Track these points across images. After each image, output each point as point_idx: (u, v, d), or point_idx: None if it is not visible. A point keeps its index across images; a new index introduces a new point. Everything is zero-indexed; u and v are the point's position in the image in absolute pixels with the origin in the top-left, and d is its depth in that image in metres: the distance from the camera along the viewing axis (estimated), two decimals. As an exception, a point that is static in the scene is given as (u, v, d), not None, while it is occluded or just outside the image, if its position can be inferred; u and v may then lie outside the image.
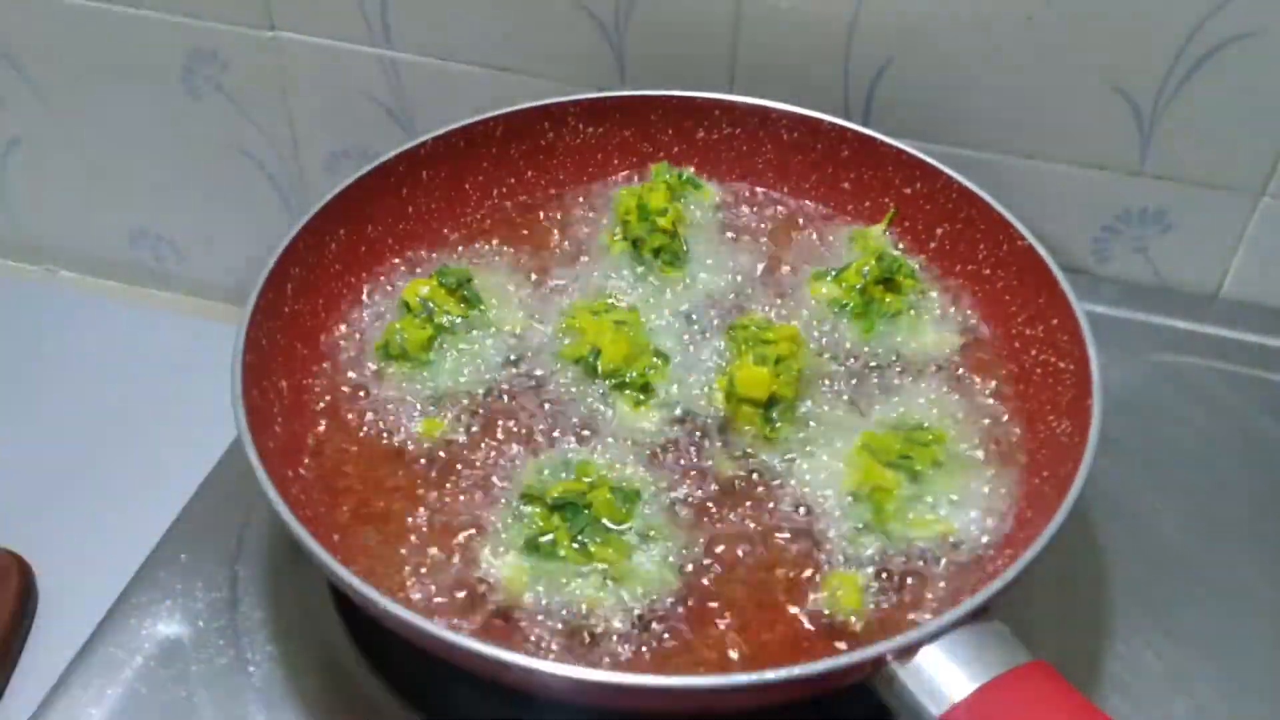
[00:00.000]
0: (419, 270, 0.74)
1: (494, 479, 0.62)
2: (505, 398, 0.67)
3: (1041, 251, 0.68)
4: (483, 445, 0.64)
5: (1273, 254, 0.84)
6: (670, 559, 0.58)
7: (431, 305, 0.70)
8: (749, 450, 0.64)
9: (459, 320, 0.70)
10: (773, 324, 0.69)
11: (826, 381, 0.67)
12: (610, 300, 0.72)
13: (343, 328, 0.71)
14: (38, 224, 1.12)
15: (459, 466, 0.63)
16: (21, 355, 0.98)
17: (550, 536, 0.58)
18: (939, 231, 0.76)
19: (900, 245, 0.76)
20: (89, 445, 0.90)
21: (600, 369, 0.67)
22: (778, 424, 0.65)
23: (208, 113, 0.98)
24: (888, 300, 0.71)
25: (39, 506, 0.85)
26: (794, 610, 0.57)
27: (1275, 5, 0.73)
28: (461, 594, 0.57)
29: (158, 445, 0.89)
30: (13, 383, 0.96)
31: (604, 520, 0.58)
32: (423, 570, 0.58)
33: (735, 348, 0.68)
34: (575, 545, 0.58)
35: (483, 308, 0.71)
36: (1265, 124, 0.78)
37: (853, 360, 0.69)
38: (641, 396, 0.66)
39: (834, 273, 0.73)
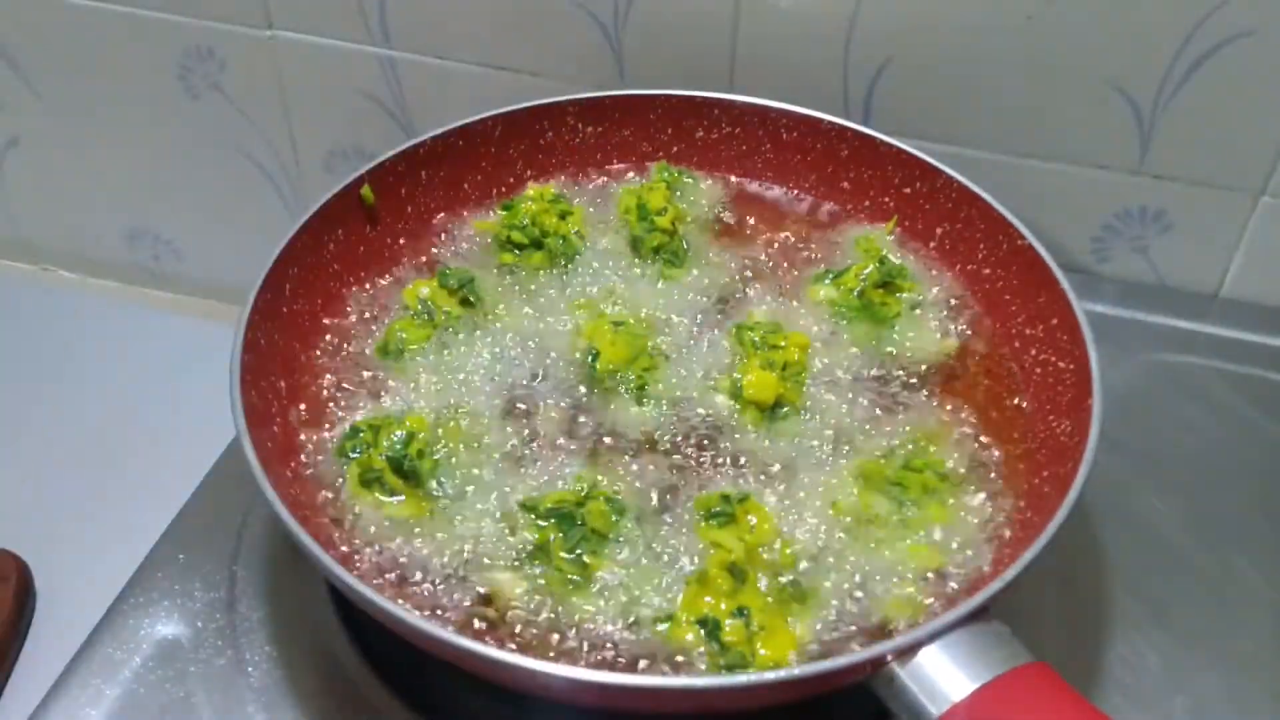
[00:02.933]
0: (419, 271, 0.74)
1: (490, 482, 0.62)
2: (503, 399, 0.66)
3: (1041, 251, 0.68)
4: (480, 448, 0.64)
5: (1273, 254, 0.84)
6: (665, 567, 0.58)
7: (431, 306, 0.70)
8: (745, 456, 0.64)
9: (459, 321, 0.70)
10: (783, 329, 0.69)
11: (826, 386, 0.67)
12: (609, 300, 0.72)
13: (342, 328, 0.71)
14: (36, 224, 1.12)
15: (457, 468, 0.63)
16: (20, 355, 0.98)
17: (545, 547, 0.58)
18: (939, 231, 0.75)
19: (903, 249, 0.76)
20: (87, 445, 0.90)
21: (598, 370, 0.67)
22: (777, 429, 0.65)
23: (206, 112, 0.98)
24: (886, 304, 0.71)
25: (37, 507, 0.85)
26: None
27: (1275, 5, 0.73)
28: (460, 598, 0.57)
29: (156, 445, 0.88)
30: (11, 383, 0.96)
31: (599, 531, 0.58)
32: (420, 573, 0.58)
33: (741, 350, 0.68)
34: (570, 556, 0.57)
35: (482, 308, 0.71)
36: (1265, 124, 0.78)
37: (851, 363, 0.69)
38: (639, 397, 0.66)
39: (832, 276, 0.73)
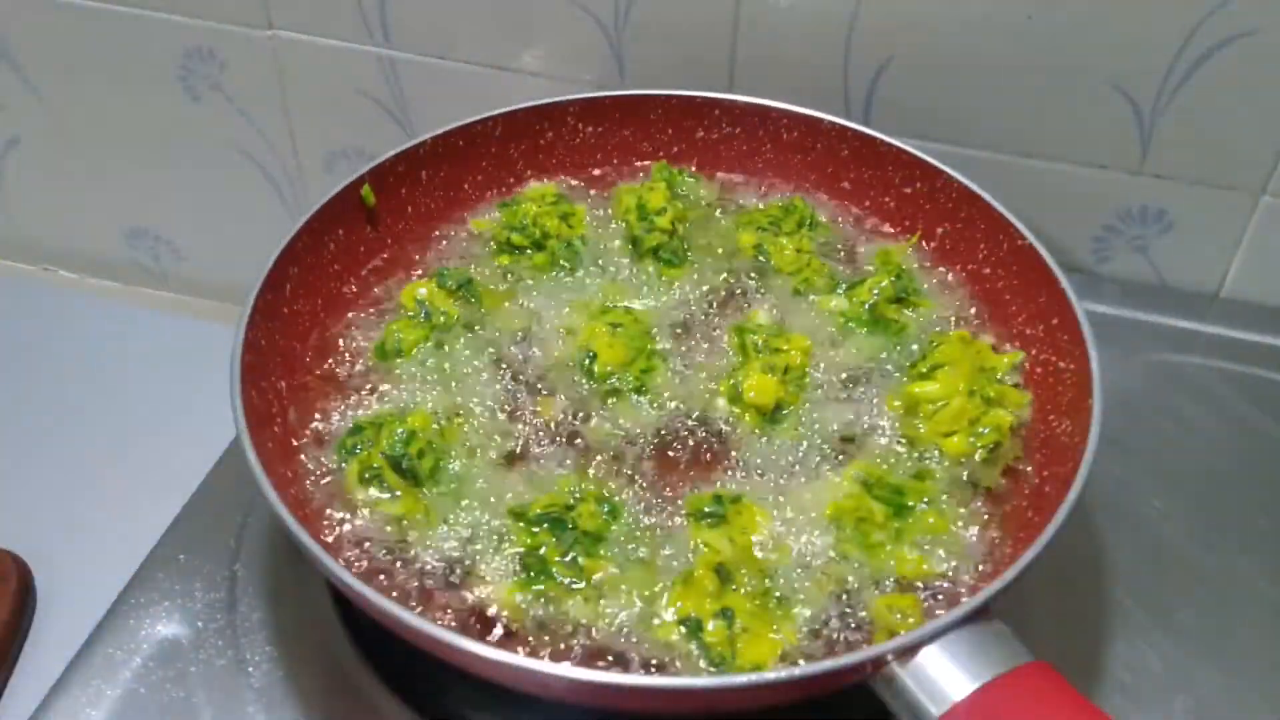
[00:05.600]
0: (418, 271, 0.74)
1: (489, 482, 0.62)
2: (500, 399, 0.66)
3: (1041, 251, 0.68)
4: (478, 447, 0.64)
5: (1273, 254, 0.84)
6: (661, 568, 0.58)
7: (429, 306, 0.70)
8: (744, 458, 0.64)
9: (456, 321, 0.70)
10: (784, 332, 0.69)
11: (826, 388, 0.67)
12: (608, 301, 0.72)
13: (341, 328, 0.71)
14: (36, 224, 1.12)
15: (456, 468, 0.63)
16: (20, 355, 0.98)
17: (539, 553, 0.58)
18: (939, 231, 0.75)
19: (925, 269, 0.75)
20: (87, 445, 0.90)
21: (596, 371, 0.67)
22: (776, 431, 0.64)
23: (206, 112, 0.98)
24: (896, 319, 0.70)
25: (38, 507, 0.85)
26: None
27: (1275, 5, 0.73)
28: (459, 598, 0.57)
29: (157, 445, 0.88)
30: (11, 383, 0.96)
31: (591, 533, 0.58)
32: (420, 572, 0.58)
33: (741, 352, 0.68)
34: (565, 560, 0.57)
35: (481, 309, 0.71)
36: (1265, 124, 0.78)
37: (850, 368, 0.69)
38: (637, 399, 0.66)
39: (845, 286, 0.72)
